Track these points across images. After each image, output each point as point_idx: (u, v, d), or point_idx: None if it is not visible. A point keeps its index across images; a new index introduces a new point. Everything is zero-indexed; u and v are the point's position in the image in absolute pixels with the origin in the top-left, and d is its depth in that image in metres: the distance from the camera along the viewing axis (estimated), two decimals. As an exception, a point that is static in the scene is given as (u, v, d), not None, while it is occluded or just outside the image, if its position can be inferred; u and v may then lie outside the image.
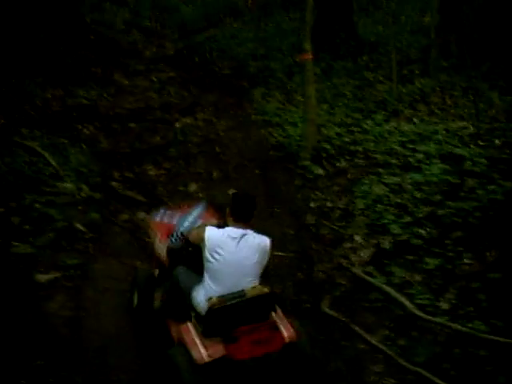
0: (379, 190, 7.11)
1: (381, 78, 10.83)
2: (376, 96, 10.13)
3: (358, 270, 5.99)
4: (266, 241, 4.97)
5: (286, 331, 4.91)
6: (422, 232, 6.25)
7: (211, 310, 4.76)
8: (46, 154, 7.92)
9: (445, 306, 5.35)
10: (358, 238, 6.50)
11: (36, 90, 10.69)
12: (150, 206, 7.22)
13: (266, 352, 4.83)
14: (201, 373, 4.71)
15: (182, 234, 5.37)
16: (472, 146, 7.84)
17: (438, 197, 6.72)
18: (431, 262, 5.82)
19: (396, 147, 8.09)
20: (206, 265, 4.90)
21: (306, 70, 8.14)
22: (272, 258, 5.18)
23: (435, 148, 7.78)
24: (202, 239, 4.90)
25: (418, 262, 5.91)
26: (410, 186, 7.04)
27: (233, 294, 4.83)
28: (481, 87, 9.56)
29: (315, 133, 8.33)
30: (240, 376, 4.83)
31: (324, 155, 8.17)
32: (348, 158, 8.15)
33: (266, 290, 4.89)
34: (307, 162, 8.03)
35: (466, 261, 5.85)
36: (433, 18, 11.61)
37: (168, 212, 5.87)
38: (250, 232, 4.94)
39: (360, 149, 8.27)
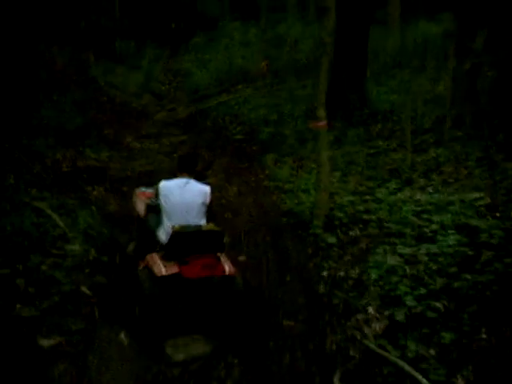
0: (393, 260, 6.93)
1: (394, 147, 10.75)
2: (389, 164, 10.03)
3: (370, 343, 5.81)
4: (206, 187, 6.89)
5: (227, 267, 6.51)
6: (438, 305, 6.06)
7: (174, 233, 6.42)
8: (55, 216, 7.83)
9: (461, 382, 5.15)
10: (371, 309, 6.30)
11: (47, 151, 10.68)
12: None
13: (209, 275, 6.43)
14: (158, 284, 6.34)
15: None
16: (488, 217, 7.68)
17: (454, 269, 6.54)
18: (447, 336, 5.61)
19: (410, 217, 7.93)
20: (162, 208, 6.76)
21: (320, 138, 8.07)
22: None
23: (450, 219, 7.62)
24: (157, 189, 6.82)
25: (433, 335, 5.70)
26: (424, 257, 6.86)
27: (192, 225, 6.58)
28: (496, 158, 9.46)
29: (328, 200, 8.22)
30: (187, 291, 6.43)
31: (337, 223, 8.03)
32: (361, 226, 8.00)
33: (217, 228, 6.63)
34: (319, 230, 7.89)
35: (482, 336, 5.66)
36: (447, 87, 11.61)
37: (149, 187, 7.68)
38: (192, 181, 6.84)
39: (373, 218, 8.12)
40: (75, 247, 7.28)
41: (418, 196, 8.60)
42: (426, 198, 8.47)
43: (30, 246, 6.97)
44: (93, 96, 17.04)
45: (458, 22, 11.22)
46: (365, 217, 8.20)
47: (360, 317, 6.26)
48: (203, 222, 6.82)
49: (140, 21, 28.67)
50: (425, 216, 7.91)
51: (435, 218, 7.77)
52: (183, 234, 6.47)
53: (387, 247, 7.28)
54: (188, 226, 6.56)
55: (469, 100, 10.81)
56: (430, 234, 7.40)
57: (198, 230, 6.58)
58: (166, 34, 28.89)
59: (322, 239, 7.78)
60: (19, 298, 6.14)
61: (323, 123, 7.95)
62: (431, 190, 8.85)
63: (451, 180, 9.18)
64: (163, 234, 6.70)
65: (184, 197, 6.72)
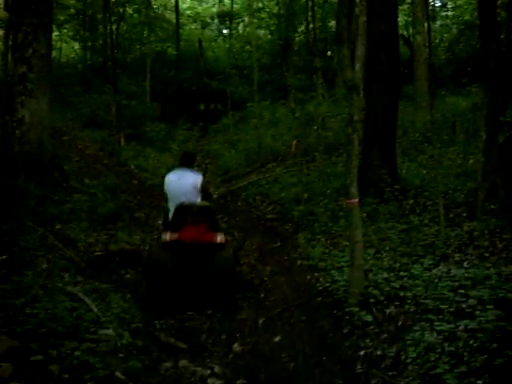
0: (431, 337, 6.76)
1: (427, 222, 10.65)
2: (423, 240, 9.91)
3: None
4: (198, 175, 9.48)
5: (219, 237, 8.87)
6: (479, 383, 5.89)
7: (175, 209, 8.95)
8: (88, 300, 7.80)
9: None
10: (410, 388, 6.15)
11: (79, 235, 10.75)
12: (193, 354, 7.00)
13: (201, 240, 8.78)
14: (163, 247, 8.77)
15: None
16: (527, 290, 7.53)
17: (495, 345, 6.37)
18: (490, 415, 5.44)
19: (447, 293, 7.78)
20: (168, 194, 9.34)
21: (353, 215, 8.02)
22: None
23: (488, 293, 7.46)
24: (164, 180, 9.50)
25: (476, 414, 5.54)
26: (463, 334, 6.68)
27: (187, 202, 9.01)
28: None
29: (362, 278, 8.11)
30: (184, 253, 8.72)
31: (372, 301, 7.90)
32: (397, 304, 7.86)
33: (208, 204, 9.15)
34: (355, 309, 7.76)
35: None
36: (478, 161, 11.57)
37: None
38: (188, 171, 9.37)
39: (409, 294, 7.97)
40: (109, 332, 7.21)
41: (454, 271, 8.46)
42: (462, 273, 8.33)
43: (64, 331, 6.93)
44: (124, 179, 17.24)
45: (488, 94, 11.23)
46: (401, 294, 8.07)
47: (400, 396, 6.11)
48: (198, 200, 9.25)
49: (170, 103, 29.17)
50: (462, 291, 7.75)
51: (472, 293, 7.61)
52: (181, 208, 8.94)
53: (425, 324, 7.12)
54: (184, 202, 9.01)
55: (501, 172, 10.74)
56: (468, 310, 7.24)
57: (192, 204, 9.05)
58: (195, 115, 29.34)
59: (358, 318, 7.65)
60: (53, 384, 6.07)
61: (355, 200, 7.92)
62: (467, 265, 8.70)
63: (487, 254, 9.04)
64: (171, 214, 9.12)
65: (180, 183, 9.27)
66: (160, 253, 8.74)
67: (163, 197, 9.65)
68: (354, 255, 8.02)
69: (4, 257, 8.71)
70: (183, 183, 9.20)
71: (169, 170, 10.12)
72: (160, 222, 10.18)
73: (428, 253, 9.33)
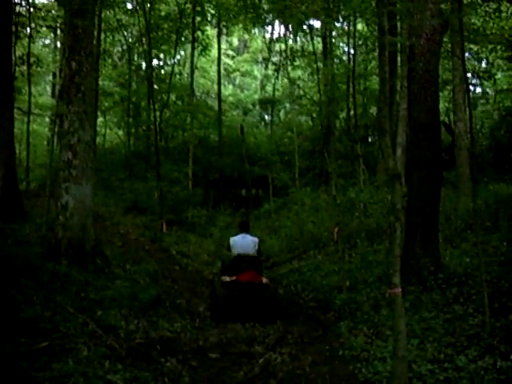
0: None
1: (471, 312, 10.43)
2: (468, 330, 9.69)
3: None
4: (255, 238, 13.84)
5: (265, 279, 12.97)
6: None
7: (234, 257, 13.02)
8: (127, 389, 7.75)
9: None
10: None
11: (120, 322, 10.74)
12: None
13: (253, 281, 12.60)
14: (224, 286, 12.58)
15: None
16: None
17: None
18: None
19: (493, 388, 7.60)
20: (232, 250, 13.32)
21: (396, 304, 7.90)
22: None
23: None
24: (229, 241, 13.69)
25: None
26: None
27: (241, 254, 12.99)
28: None
29: (406, 370, 7.92)
30: (241, 290, 12.44)
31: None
32: (444, 397, 7.69)
33: (257, 256, 13.30)
34: (399, 402, 7.58)
35: None
36: None
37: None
38: (247, 235, 13.66)
39: (455, 388, 7.80)
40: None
41: (500, 363, 8.25)
42: (509, 366, 8.12)
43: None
44: (165, 265, 17.29)
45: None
46: (446, 388, 7.89)
47: None
48: (253, 252, 13.41)
49: (212, 189, 29.43)
50: (510, 387, 7.56)
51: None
52: (238, 258, 13.04)
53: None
54: (241, 254, 13.15)
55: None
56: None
57: (246, 255, 13.14)
58: (237, 201, 29.52)
59: (402, 411, 7.46)
60: None
61: (398, 290, 7.82)
62: (514, 358, 8.48)
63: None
64: (230, 262, 13.18)
65: (243, 243, 13.47)
66: (221, 289, 12.69)
67: (224, 252, 14.79)
68: (397, 346, 7.86)
69: (45, 344, 8.71)
70: (245, 244, 13.45)
71: (233, 235, 14.18)
72: (219, 266, 15.00)
73: (473, 344, 9.11)
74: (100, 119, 33.69)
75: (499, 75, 29.97)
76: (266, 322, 12.08)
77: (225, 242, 14.71)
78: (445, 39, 16.18)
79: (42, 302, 10.44)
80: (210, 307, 12.86)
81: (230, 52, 48.61)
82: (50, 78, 42.84)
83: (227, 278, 12.79)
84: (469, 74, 27.45)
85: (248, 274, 12.71)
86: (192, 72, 31.42)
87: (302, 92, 31.13)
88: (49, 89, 45.26)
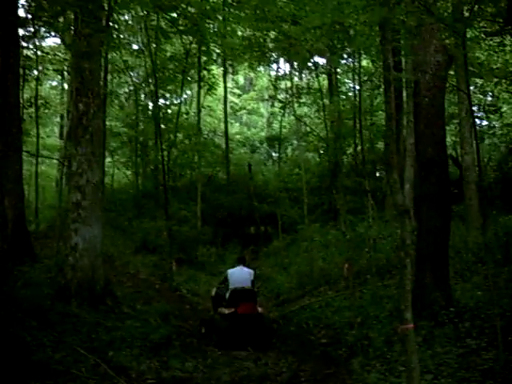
0: None
1: (485, 346, 10.34)
2: (482, 365, 9.59)
3: None
4: (251, 270, 15.33)
5: (260, 309, 14.53)
6: None
7: (231, 290, 14.28)
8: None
9: None
10: None
11: (132, 362, 10.70)
12: None
13: (251, 312, 13.94)
14: (224, 318, 13.85)
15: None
16: None
17: None
18: None
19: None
20: (229, 282, 14.69)
21: (408, 340, 7.84)
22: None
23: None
24: (226, 274, 15.14)
25: None
26: None
27: (237, 288, 14.31)
28: None
29: (420, 406, 7.86)
30: (239, 321, 13.71)
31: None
32: None
33: (254, 289, 14.97)
34: None
35: None
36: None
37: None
38: (244, 268, 15.18)
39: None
40: None
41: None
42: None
43: None
44: (176, 304, 17.24)
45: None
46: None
47: None
48: (250, 286, 14.78)
49: (221, 227, 29.42)
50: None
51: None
52: (236, 291, 14.32)
53: None
54: (237, 288, 14.40)
55: None
56: None
57: (243, 288, 14.45)
58: (246, 238, 29.46)
59: None
60: None
61: (410, 326, 7.77)
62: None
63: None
64: (228, 295, 14.39)
65: (240, 275, 14.83)
66: (221, 321, 14.02)
67: (221, 283, 15.64)
68: (411, 382, 7.80)
69: (57, 386, 8.70)
70: (243, 273, 14.95)
71: (231, 267, 15.96)
72: (213, 294, 15.60)
73: (487, 378, 9.02)
74: (108, 159, 33.80)
75: (505, 108, 30.02)
76: (266, 347, 13.64)
77: (221, 276, 16.41)
78: (450, 72, 16.26)
79: (52, 343, 10.45)
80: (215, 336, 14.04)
81: (236, 90, 48.88)
82: (58, 119, 43.13)
83: (226, 311, 14.12)
84: (475, 108, 27.50)
85: (246, 307, 14.04)
86: (199, 111, 31.56)
87: (308, 129, 31.16)
88: (57, 130, 45.52)
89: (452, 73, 18.24)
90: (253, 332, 13.77)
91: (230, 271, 15.08)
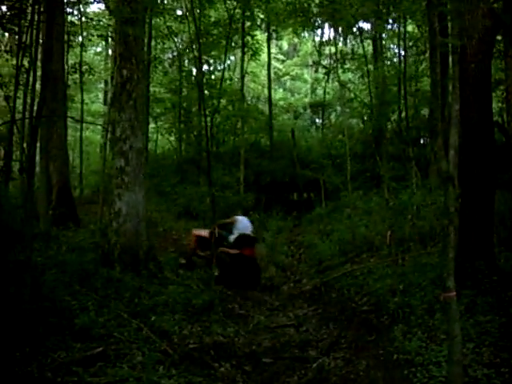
0: None
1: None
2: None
3: None
4: (250, 221, 18.10)
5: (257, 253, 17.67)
6: None
7: (239, 236, 16.90)
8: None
9: None
10: None
11: (174, 327, 10.81)
12: None
13: (253, 255, 17.00)
14: (231, 258, 16.45)
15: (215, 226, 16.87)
16: None
17: None
18: None
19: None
20: (235, 226, 17.34)
21: (450, 308, 7.79)
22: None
23: None
24: (235, 218, 17.82)
25: None
26: None
27: (244, 233, 17.06)
28: None
29: (461, 374, 7.79)
30: (244, 261, 16.56)
31: (473, 400, 7.59)
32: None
33: (254, 235, 17.83)
34: (454, 406, 7.46)
35: None
36: None
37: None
38: (247, 219, 18.17)
39: (512, 393, 7.65)
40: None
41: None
42: None
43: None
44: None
45: None
46: (502, 392, 7.75)
47: None
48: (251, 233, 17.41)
49: (263, 193, 29.38)
50: None
51: None
52: (242, 236, 16.84)
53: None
54: (244, 233, 17.00)
55: None
56: None
57: (248, 235, 17.10)
58: (288, 205, 29.41)
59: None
60: None
61: (453, 294, 7.71)
62: None
63: None
64: (232, 238, 16.93)
65: (246, 223, 17.53)
66: (228, 259, 16.36)
67: (224, 224, 17.71)
68: (452, 350, 7.75)
69: (100, 349, 8.82)
70: (247, 222, 17.70)
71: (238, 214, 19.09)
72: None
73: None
74: (151, 125, 33.97)
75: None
76: (257, 284, 16.67)
77: (232, 217, 18.22)
78: (498, 38, 15.92)
79: (96, 308, 10.58)
80: (219, 273, 16.01)
81: (280, 56, 48.68)
82: (102, 85, 43.44)
83: (233, 252, 16.48)
84: (522, 73, 26.93)
85: (249, 250, 16.76)
86: (242, 77, 31.50)
87: (352, 95, 30.86)
88: (101, 96, 45.86)
89: (499, 38, 17.85)
90: (251, 271, 16.64)
91: (238, 218, 17.79)
